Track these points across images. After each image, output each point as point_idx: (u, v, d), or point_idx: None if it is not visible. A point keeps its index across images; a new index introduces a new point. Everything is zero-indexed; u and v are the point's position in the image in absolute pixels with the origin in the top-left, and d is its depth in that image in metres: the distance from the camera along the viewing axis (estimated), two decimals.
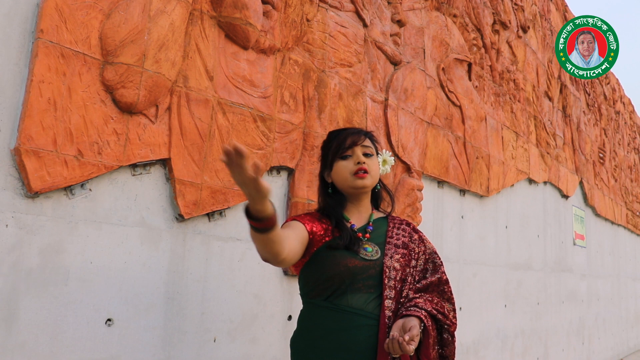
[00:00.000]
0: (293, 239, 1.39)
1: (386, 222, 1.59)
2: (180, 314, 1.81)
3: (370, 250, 1.48)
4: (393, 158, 1.63)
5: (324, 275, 1.45)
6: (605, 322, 6.79)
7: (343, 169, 1.52)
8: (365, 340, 1.39)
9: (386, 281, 1.43)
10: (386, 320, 1.40)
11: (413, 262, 1.52)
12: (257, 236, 1.21)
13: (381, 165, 1.60)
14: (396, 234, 1.55)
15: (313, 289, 1.50)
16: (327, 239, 1.48)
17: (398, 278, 1.45)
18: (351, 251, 1.46)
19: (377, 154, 1.59)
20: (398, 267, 1.47)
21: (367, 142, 1.56)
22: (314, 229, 1.49)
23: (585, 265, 6.15)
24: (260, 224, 1.17)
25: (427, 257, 1.55)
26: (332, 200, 1.57)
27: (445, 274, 1.54)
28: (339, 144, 1.53)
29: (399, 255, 1.49)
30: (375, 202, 1.63)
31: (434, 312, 1.43)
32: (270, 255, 1.28)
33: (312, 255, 1.48)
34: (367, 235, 1.52)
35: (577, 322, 5.75)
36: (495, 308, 4.02)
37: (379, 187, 1.61)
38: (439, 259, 1.57)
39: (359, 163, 1.50)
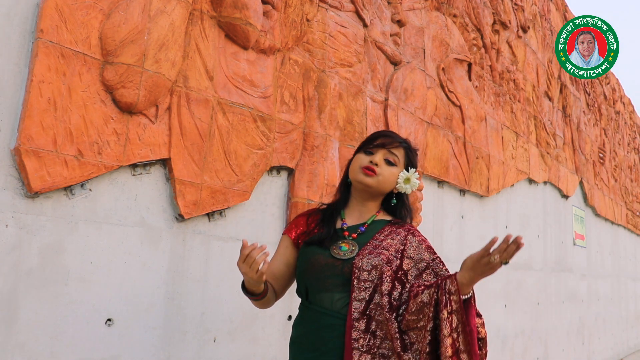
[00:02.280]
0: (281, 276, 1.55)
1: (384, 224, 1.52)
2: (180, 314, 1.81)
3: (345, 250, 1.43)
4: (418, 182, 1.52)
5: (298, 271, 1.50)
6: (605, 322, 6.79)
7: (358, 160, 1.50)
8: (331, 340, 1.36)
9: (355, 282, 1.37)
10: (352, 322, 1.35)
11: (397, 263, 1.41)
12: (254, 301, 1.50)
13: (402, 182, 1.50)
14: (384, 237, 1.46)
15: (298, 288, 1.53)
16: (308, 237, 1.51)
17: (370, 279, 1.37)
18: (324, 248, 1.44)
19: (407, 169, 1.51)
20: (370, 267, 1.38)
21: (397, 151, 1.50)
22: (299, 231, 1.54)
23: (585, 265, 6.15)
24: (255, 297, 1.46)
25: (429, 262, 1.44)
26: (342, 195, 1.57)
27: None
28: (370, 139, 1.53)
29: (374, 255, 1.39)
30: (389, 210, 1.56)
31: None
32: (266, 307, 1.56)
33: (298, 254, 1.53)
34: (355, 235, 1.47)
35: (577, 322, 5.75)
36: (495, 308, 4.02)
37: (394, 201, 1.53)
38: (445, 267, 1.45)
39: (371, 162, 1.47)
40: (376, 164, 1.47)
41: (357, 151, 1.54)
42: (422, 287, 1.35)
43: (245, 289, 1.45)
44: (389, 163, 1.49)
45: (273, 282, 1.53)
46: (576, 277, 5.81)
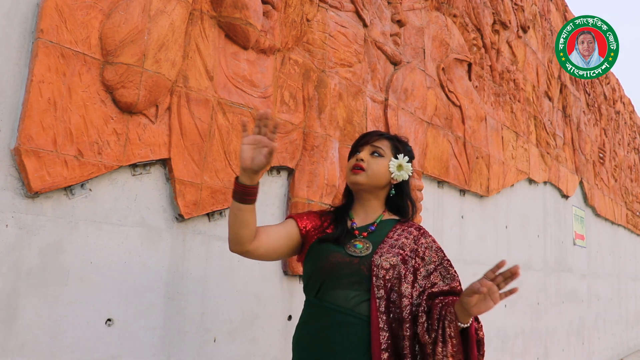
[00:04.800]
0: (273, 235, 1.45)
1: (393, 224, 1.54)
2: (180, 314, 1.81)
3: (360, 247, 1.44)
4: (410, 166, 1.53)
5: (311, 269, 1.48)
6: (605, 322, 6.79)
7: (349, 165, 1.55)
8: (345, 338, 1.36)
9: (374, 280, 1.39)
10: (377, 319, 1.36)
11: (412, 262, 1.45)
12: (234, 207, 1.32)
13: (395, 169, 1.51)
14: (397, 235, 1.49)
15: (306, 285, 1.52)
16: (321, 234, 1.51)
17: (388, 277, 1.40)
18: (339, 246, 1.44)
19: (396, 157, 1.53)
20: (388, 266, 1.40)
21: (380, 143, 1.53)
22: (309, 225, 1.52)
23: (585, 265, 6.15)
24: (249, 192, 1.30)
25: (437, 264, 1.48)
26: (346, 199, 1.60)
27: (460, 285, 1.47)
28: (355, 143, 1.58)
29: (391, 255, 1.43)
30: (394, 208, 1.58)
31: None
32: (236, 238, 1.37)
33: (307, 250, 1.51)
34: (365, 233, 1.49)
35: (577, 322, 5.75)
36: (495, 308, 4.01)
37: (393, 192, 1.56)
38: (453, 269, 1.50)
39: (357, 160, 1.51)
40: (362, 160, 1.50)
41: (349, 157, 1.59)
42: (436, 309, 1.37)
43: (238, 186, 1.31)
44: (374, 155, 1.52)
45: (263, 235, 1.43)
46: (576, 277, 5.81)
